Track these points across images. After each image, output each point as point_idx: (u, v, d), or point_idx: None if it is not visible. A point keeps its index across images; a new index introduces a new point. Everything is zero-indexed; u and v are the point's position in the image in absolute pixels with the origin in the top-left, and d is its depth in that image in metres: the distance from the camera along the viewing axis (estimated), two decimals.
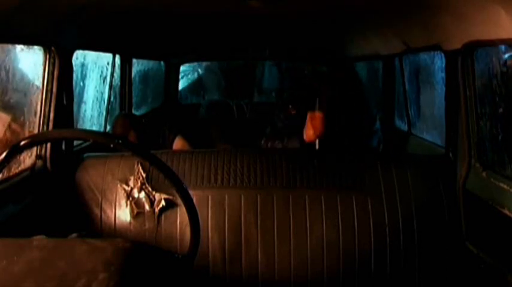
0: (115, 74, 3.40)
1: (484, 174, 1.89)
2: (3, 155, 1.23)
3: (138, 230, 2.03)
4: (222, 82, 6.68)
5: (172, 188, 1.30)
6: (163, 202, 2.02)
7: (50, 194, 2.04)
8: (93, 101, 3.21)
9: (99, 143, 1.31)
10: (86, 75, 3.06)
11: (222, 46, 4.35)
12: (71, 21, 1.98)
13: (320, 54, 4.55)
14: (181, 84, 5.51)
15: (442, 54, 2.18)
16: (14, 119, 2.19)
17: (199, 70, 6.75)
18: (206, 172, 2.10)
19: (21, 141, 1.24)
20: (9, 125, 2.17)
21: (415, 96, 3.37)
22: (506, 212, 1.68)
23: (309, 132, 2.41)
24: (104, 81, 3.33)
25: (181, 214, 2.01)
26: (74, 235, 1.41)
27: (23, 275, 0.98)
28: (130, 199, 2.05)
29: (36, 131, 2.09)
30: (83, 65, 2.98)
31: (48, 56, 2.05)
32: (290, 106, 3.32)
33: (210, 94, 6.67)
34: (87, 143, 2.50)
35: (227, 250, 1.99)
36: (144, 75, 4.47)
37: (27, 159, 2.07)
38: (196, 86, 6.68)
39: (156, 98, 4.81)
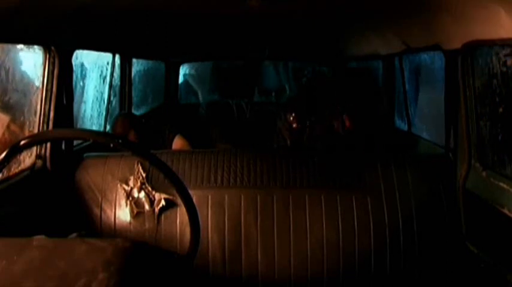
0: (115, 74, 3.40)
1: (484, 174, 1.89)
2: (3, 154, 1.23)
3: (138, 230, 2.03)
4: (215, 82, 6.47)
5: (172, 188, 1.30)
6: (163, 202, 2.02)
7: (50, 194, 2.04)
8: (93, 101, 3.20)
9: (99, 142, 1.31)
10: (85, 75, 3.06)
11: (222, 46, 4.35)
12: (71, 21, 1.98)
13: (320, 54, 4.54)
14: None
15: (442, 54, 2.18)
16: (14, 120, 2.19)
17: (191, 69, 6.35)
18: (206, 171, 2.10)
19: (21, 141, 1.24)
20: (8, 126, 2.17)
21: (415, 96, 3.37)
22: (506, 211, 1.68)
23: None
24: (103, 81, 3.33)
25: (181, 214, 2.01)
26: (74, 234, 1.41)
27: (23, 274, 0.98)
28: (130, 198, 2.05)
29: (36, 131, 2.09)
30: (82, 64, 2.98)
31: (48, 56, 2.05)
32: (291, 118, 3.32)
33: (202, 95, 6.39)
34: (87, 143, 2.50)
35: (227, 250, 1.99)
36: (144, 75, 4.47)
37: (27, 159, 2.07)
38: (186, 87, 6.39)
39: (155, 97, 4.81)
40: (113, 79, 3.39)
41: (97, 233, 2.03)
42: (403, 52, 2.88)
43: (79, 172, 2.14)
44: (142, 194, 2.05)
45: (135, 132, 2.90)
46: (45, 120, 2.07)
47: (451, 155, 2.13)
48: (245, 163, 2.11)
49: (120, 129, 2.86)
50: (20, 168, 2.00)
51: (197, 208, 1.31)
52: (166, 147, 3.03)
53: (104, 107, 3.32)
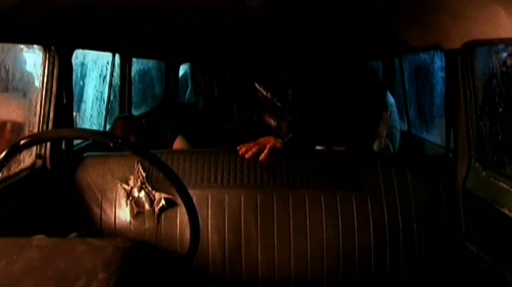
0: (115, 74, 3.40)
1: (483, 174, 1.89)
2: (3, 154, 1.23)
3: (138, 230, 2.03)
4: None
5: (172, 188, 1.30)
6: (163, 202, 2.02)
7: (50, 194, 2.04)
8: (92, 101, 3.21)
9: (99, 142, 1.31)
10: (85, 74, 3.06)
11: (222, 45, 4.35)
12: (70, 21, 1.98)
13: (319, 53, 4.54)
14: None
15: (442, 54, 2.18)
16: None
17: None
18: (206, 171, 2.10)
19: (21, 140, 1.24)
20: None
21: (415, 96, 3.37)
22: (506, 211, 1.68)
23: None
24: (103, 81, 3.33)
25: (181, 214, 2.01)
26: (74, 234, 1.42)
27: (22, 274, 0.98)
28: (130, 198, 2.05)
29: (36, 131, 2.09)
30: (82, 64, 2.98)
31: (47, 56, 2.04)
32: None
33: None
34: (87, 143, 2.50)
35: (227, 250, 1.99)
36: (144, 74, 4.46)
37: (27, 158, 2.06)
38: None
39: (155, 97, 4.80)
40: (113, 79, 3.39)
41: (97, 232, 2.03)
42: (403, 52, 2.88)
43: (79, 171, 2.14)
44: (142, 194, 2.05)
45: (135, 135, 2.90)
46: (45, 120, 2.06)
47: (451, 155, 2.13)
48: (245, 163, 2.11)
49: (119, 133, 2.86)
50: (19, 168, 2.00)
51: (197, 208, 1.31)
52: (167, 147, 3.03)
53: (103, 106, 3.32)
